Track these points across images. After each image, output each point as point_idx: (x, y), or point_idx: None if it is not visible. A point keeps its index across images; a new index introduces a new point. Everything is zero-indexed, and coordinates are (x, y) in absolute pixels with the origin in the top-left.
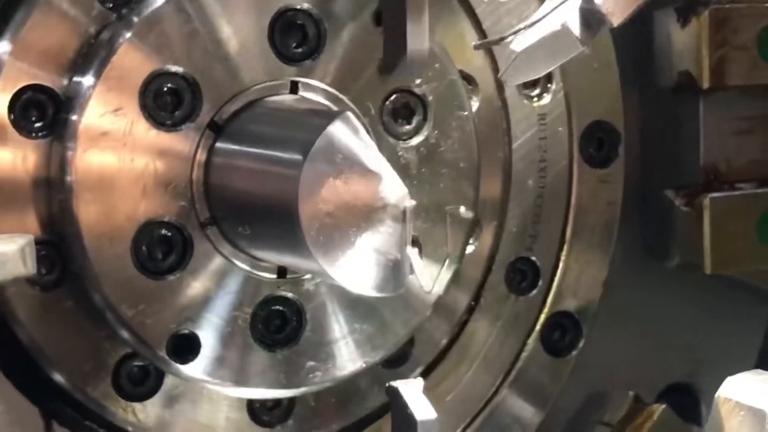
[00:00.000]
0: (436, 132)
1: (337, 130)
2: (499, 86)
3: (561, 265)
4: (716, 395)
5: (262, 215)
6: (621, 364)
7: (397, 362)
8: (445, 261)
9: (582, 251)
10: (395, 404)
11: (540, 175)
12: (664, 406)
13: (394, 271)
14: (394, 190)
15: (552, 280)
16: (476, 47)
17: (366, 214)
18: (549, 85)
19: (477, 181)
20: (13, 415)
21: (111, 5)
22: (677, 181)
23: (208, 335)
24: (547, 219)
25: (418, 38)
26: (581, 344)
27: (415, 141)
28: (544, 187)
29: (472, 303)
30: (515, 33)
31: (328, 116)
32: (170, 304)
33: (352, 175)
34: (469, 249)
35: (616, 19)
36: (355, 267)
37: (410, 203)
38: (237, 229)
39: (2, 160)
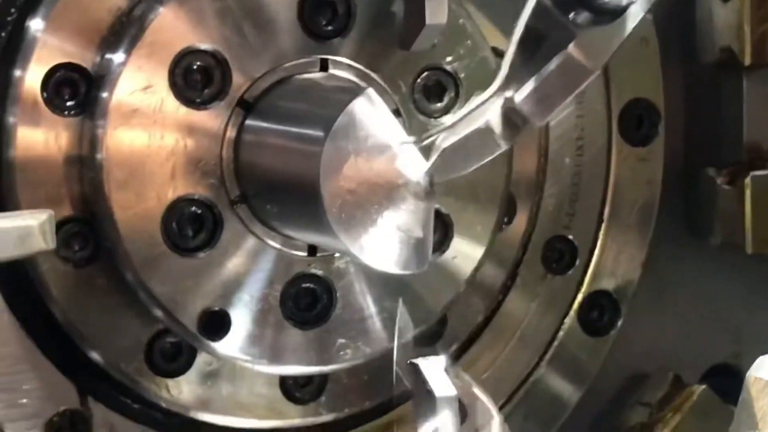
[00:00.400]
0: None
1: (358, 107)
2: None
3: (599, 244)
4: (747, 375)
5: (287, 193)
6: (663, 344)
7: (431, 340)
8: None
9: (620, 230)
10: (416, 381)
11: (577, 153)
12: (703, 386)
13: (417, 248)
14: (415, 167)
15: (590, 260)
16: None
17: (388, 192)
18: None
19: (510, 158)
20: (50, 390)
21: None
22: (719, 160)
23: (238, 312)
24: (585, 198)
25: (437, 11)
26: (619, 324)
27: (446, 119)
28: (582, 165)
29: (508, 282)
30: (443, 131)
31: (351, 93)
32: (200, 282)
33: (373, 152)
34: (503, 228)
35: (538, 120)
36: (378, 244)
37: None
38: (266, 207)
39: (35, 138)
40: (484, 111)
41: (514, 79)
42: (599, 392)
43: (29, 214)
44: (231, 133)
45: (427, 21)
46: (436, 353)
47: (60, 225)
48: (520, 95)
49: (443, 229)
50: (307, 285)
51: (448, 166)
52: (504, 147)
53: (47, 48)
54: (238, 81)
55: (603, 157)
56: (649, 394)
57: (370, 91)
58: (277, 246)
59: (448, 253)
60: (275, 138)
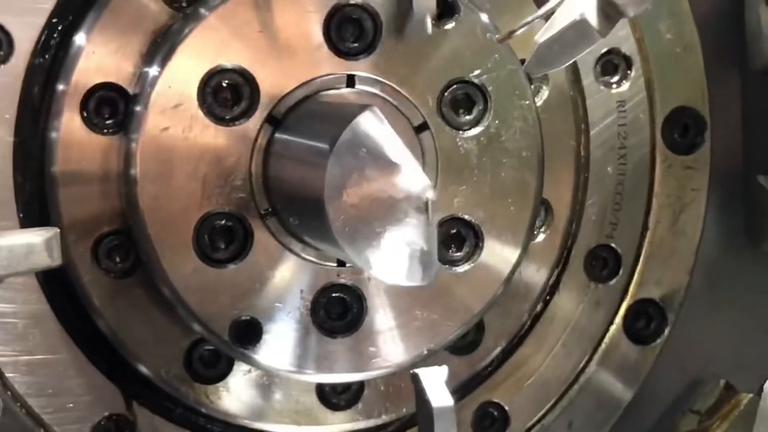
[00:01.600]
0: (497, 122)
1: (361, 124)
2: (575, 74)
3: (644, 252)
4: (765, 386)
5: (303, 206)
6: (716, 351)
7: (467, 349)
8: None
9: (666, 238)
10: (417, 390)
11: (620, 162)
12: (751, 395)
13: (423, 260)
14: (417, 182)
15: (635, 268)
16: (499, 41)
17: (390, 206)
18: (629, 72)
19: (540, 169)
20: (96, 396)
21: (177, 5)
22: None
23: (270, 322)
24: (628, 206)
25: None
26: (666, 332)
27: (476, 131)
28: (625, 174)
29: (551, 290)
30: (530, 23)
31: (357, 111)
32: (232, 292)
33: (375, 168)
34: (540, 237)
35: (632, 10)
36: (383, 257)
37: (432, 195)
38: (289, 220)
39: (76, 156)
40: (576, 5)
41: None
42: (650, 398)
43: (36, 232)
44: (259, 148)
45: (415, 8)
46: (473, 361)
47: (102, 238)
48: None
49: (474, 239)
50: (338, 294)
51: (544, 61)
52: (599, 38)
53: (87, 67)
54: (266, 98)
55: (646, 166)
56: (700, 401)
57: (374, 108)
58: (307, 257)
59: (482, 260)
60: (297, 153)
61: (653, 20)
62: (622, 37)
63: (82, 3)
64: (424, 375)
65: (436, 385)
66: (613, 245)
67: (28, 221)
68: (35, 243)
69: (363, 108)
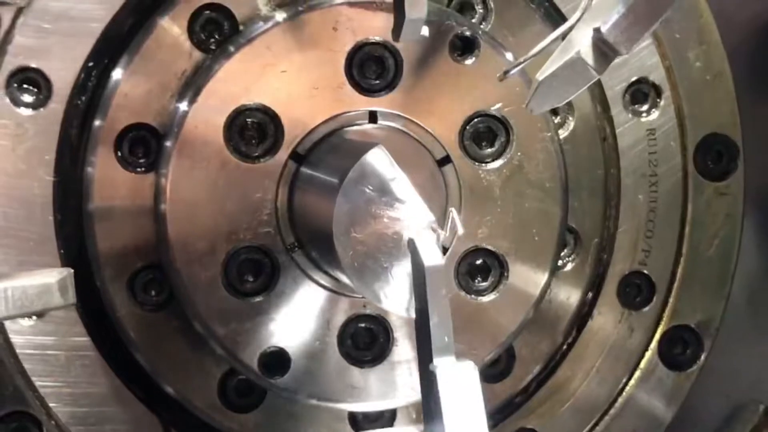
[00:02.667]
0: (519, 154)
1: (368, 162)
2: (604, 104)
3: (678, 278)
4: None
5: (322, 240)
6: (762, 376)
7: (500, 376)
8: None
9: (701, 264)
10: (413, 257)
11: (651, 189)
12: None
13: None
14: (421, 219)
15: (669, 294)
16: (501, 78)
17: (396, 242)
18: (658, 100)
19: (564, 200)
20: (136, 424)
21: (204, 47)
22: None
23: (298, 352)
24: (661, 233)
25: (416, 5)
26: (703, 358)
27: (498, 163)
28: (656, 201)
29: (584, 318)
30: (524, 63)
31: (367, 148)
32: (260, 323)
33: (382, 204)
34: (570, 266)
35: (625, 48)
36: (392, 291)
37: (439, 230)
38: (312, 253)
39: (111, 193)
40: (575, 43)
41: (602, 10)
42: (692, 423)
43: (48, 271)
44: (284, 183)
45: (407, 16)
46: (506, 388)
47: (137, 272)
48: (606, 25)
49: (500, 268)
50: (364, 325)
51: (544, 98)
52: (596, 76)
53: (121, 108)
54: (290, 135)
55: (678, 193)
56: (740, 426)
57: (381, 147)
58: (333, 288)
59: (508, 289)
60: (317, 188)
61: (682, 49)
62: (651, 65)
63: (117, 47)
64: (419, 238)
65: (429, 246)
66: (646, 272)
67: (68, 257)
68: (49, 284)
69: (371, 146)
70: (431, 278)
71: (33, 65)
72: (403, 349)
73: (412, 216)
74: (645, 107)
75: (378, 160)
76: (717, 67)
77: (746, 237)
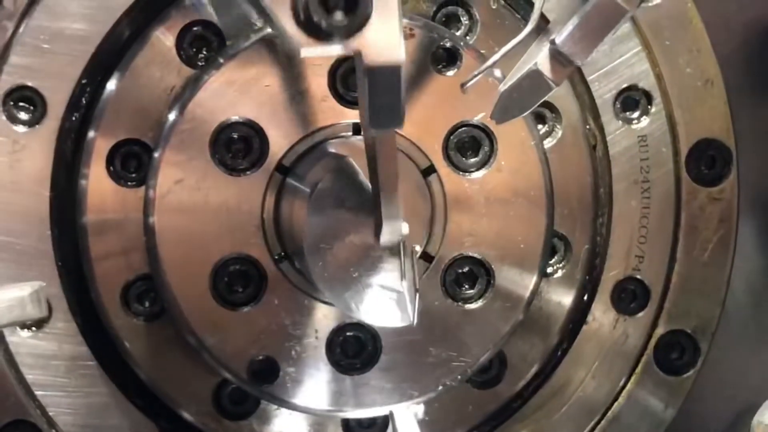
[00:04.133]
0: (503, 163)
1: (336, 175)
2: (594, 111)
3: (673, 284)
4: (753, 420)
5: (302, 252)
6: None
7: (491, 383)
8: (416, 294)
9: (695, 269)
10: (392, 427)
11: (644, 196)
12: None
13: (399, 303)
14: (390, 230)
15: (664, 299)
16: (463, 91)
17: (364, 252)
18: (649, 107)
19: (549, 207)
20: (134, 430)
21: (193, 64)
22: None
23: (286, 360)
24: (654, 239)
25: (392, 215)
26: (700, 362)
27: (482, 172)
28: (649, 207)
29: (578, 324)
30: (482, 72)
31: (335, 162)
32: (249, 332)
33: (350, 216)
34: (560, 273)
35: (579, 59)
36: (361, 301)
37: (406, 241)
38: (298, 264)
39: (103, 206)
40: (534, 55)
41: (558, 23)
42: (693, 427)
43: (21, 285)
44: (270, 196)
45: (384, 227)
46: (498, 395)
47: (130, 284)
48: (561, 37)
49: (486, 276)
50: (352, 333)
51: (506, 109)
52: (554, 87)
53: (112, 124)
54: (275, 148)
55: (671, 199)
56: (745, 430)
57: (349, 160)
58: (320, 298)
59: (495, 296)
60: (301, 200)
61: (672, 56)
62: (641, 72)
63: (109, 64)
64: (399, 414)
65: (408, 425)
66: (640, 277)
67: (65, 270)
68: (22, 296)
69: (339, 160)
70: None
71: (29, 83)
72: (392, 357)
73: (380, 226)
74: (636, 114)
75: (346, 172)
76: (708, 73)
77: (748, 240)
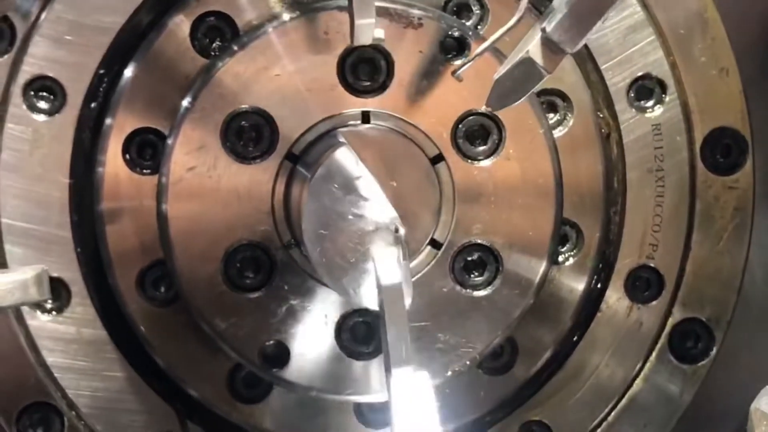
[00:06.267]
0: (511, 151)
1: (334, 162)
2: (608, 100)
3: (687, 272)
4: (752, 405)
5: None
6: None
7: (502, 369)
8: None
9: (710, 258)
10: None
11: (657, 184)
12: None
13: None
14: (384, 215)
15: (678, 288)
16: (459, 79)
17: (360, 238)
18: (663, 96)
19: (558, 195)
20: (152, 415)
21: (206, 54)
22: None
23: (296, 345)
24: (669, 227)
25: (364, 10)
26: (715, 351)
27: (491, 160)
28: (663, 196)
29: (592, 311)
30: (473, 59)
31: (332, 149)
32: (259, 317)
33: (347, 202)
34: (571, 260)
35: (569, 47)
36: (359, 285)
37: (401, 227)
38: (302, 250)
39: (119, 193)
40: (528, 43)
41: (556, 10)
42: (709, 416)
43: (23, 268)
44: (281, 183)
45: (356, 20)
46: (509, 382)
47: (146, 270)
48: (551, 25)
49: (495, 263)
50: (361, 318)
51: (501, 97)
52: (546, 75)
53: (129, 113)
54: (285, 136)
55: (686, 187)
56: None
57: (345, 147)
58: None
59: (503, 283)
60: (304, 188)
61: (687, 44)
62: (655, 61)
63: (125, 54)
64: (378, 254)
65: (388, 264)
66: (653, 265)
67: (84, 256)
68: (23, 279)
69: (337, 147)
70: (388, 296)
71: (49, 74)
72: (399, 343)
73: (375, 213)
74: (650, 103)
75: (344, 159)
76: (723, 61)
77: (765, 229)
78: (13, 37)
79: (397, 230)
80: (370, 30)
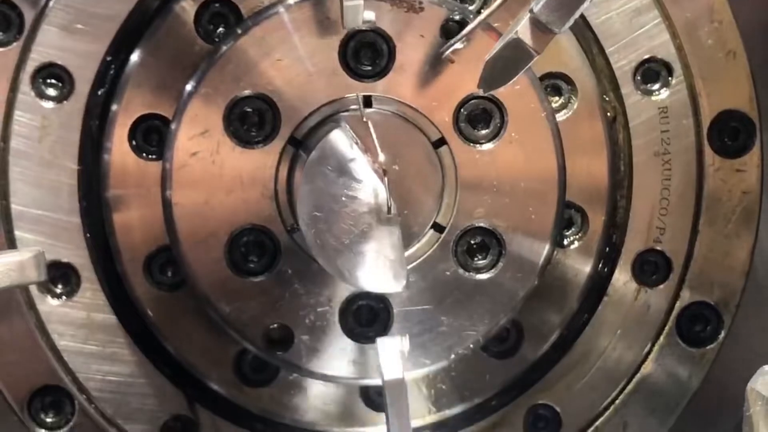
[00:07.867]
0: (514, 134)
1: (329, 143)
2: (613, 83)
3: (695, 255)
4: (748, 385)
5: None
6: None
7: (509, 353)
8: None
9: (718, 242)
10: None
11: (664, 168)
12: None
13: (392, 269)
14: (379, 197)
15: (686, 271)
16: (442, 57)
17: (354, 219)
18: (670, 79)
19: (561, 178)
20: (162, 398)
21: (211, 40)
22: None
23: (300, 328)
24: (676, 210)
25: None
26: (723, 334)
27: (493, 144)
28: (670, 179)
29: (599, 295)
30: (459, 40)
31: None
32: (263, 301)
33: (341, 184)
34: (576, 244)
35: (557, 27)
36: (354, 267)
37: (393, 208)
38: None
39: (125, 179)
40: (518, 24)
41: None
42: (719, 397)
43: (20, 250)
44: (284, 168)
45: (344, 2)
46: (515, 365)
47: (153, 255)
48: (538, 5)
49: (498, 247)
50: (364, 302)
51: (491, 79)
52: (535, 55)
53: (135, 99)
54: (288, 121)
55: (693, 171)
56: None
57: (344, 127)
58: None
59: (506, 267)
60: None
61: (693, 27)
62: (661, 44)
63: (132, 41)
64: (383, 344)
65: (392, 355)
66: (660, 249)
67: (93, 242)
68: (20, 260)
69: (334, 128)
70: (390, 391)
71: (57, 62)
72: (404, 326)
73: (369, 194)
74: (656, 86)
75: (339, 141)
76: (730, 44)
77: None
78: (21, 26)
79: (389, 211)
80: (359, 11)
